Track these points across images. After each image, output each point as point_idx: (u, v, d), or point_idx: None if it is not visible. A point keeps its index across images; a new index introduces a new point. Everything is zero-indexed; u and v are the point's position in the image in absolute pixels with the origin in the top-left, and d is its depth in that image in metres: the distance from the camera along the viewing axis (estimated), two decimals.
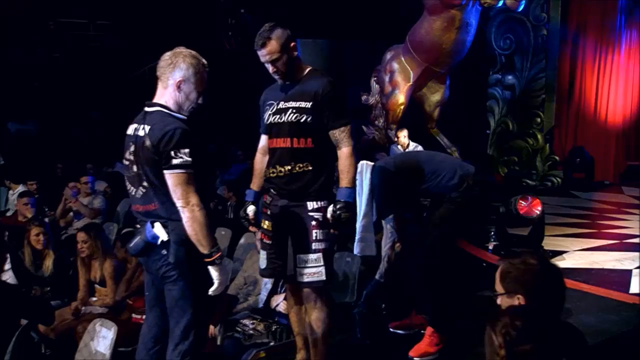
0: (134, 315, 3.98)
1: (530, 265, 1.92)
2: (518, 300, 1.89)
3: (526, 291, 1.88)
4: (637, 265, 4.65)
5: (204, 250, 2.38)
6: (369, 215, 3.33)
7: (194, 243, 2.38)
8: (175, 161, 2.32)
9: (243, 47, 7.24)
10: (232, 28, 6.60)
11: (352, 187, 2.72)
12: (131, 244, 2.48)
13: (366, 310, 3.54)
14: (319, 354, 2.80)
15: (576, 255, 5.00)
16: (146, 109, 2.47)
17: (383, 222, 3.56)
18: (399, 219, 3.49)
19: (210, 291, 2.47)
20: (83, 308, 4.08)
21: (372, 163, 3.42)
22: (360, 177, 3.27)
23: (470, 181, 3.27)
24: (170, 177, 2.34)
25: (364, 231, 3.34)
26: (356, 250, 3.42)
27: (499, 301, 1.97)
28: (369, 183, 3.30)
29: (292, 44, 2.72)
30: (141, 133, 2.40)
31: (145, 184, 2.42)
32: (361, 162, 3.33)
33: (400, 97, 7.92)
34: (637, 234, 5.79)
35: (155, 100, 2.48)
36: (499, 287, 1.95)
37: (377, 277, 3.58)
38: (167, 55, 2.45)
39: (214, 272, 2.43)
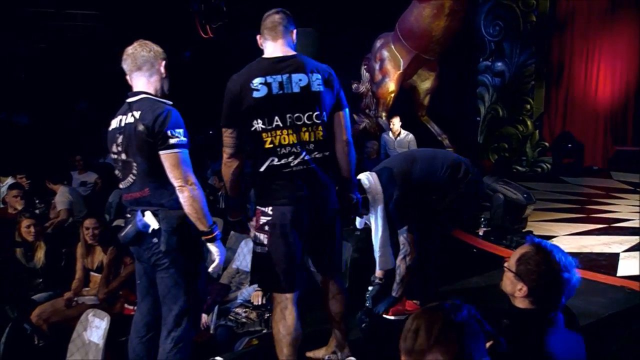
0: (126, 306, 4.00)
1: (552, 270, 1.85)
2: (520, 288, 1.88)
3: (532, 289, 1.86)
4: (625, 248, 4.72)
5: (203, 227, 2.42)
6: (386, 229, 3.32)
7: (185, 230, 2.41)
8: (172, 141, 2.35)
9: (219, 34, 7.19)
10: (204, 15, 6.51)
11: None
12: (122, 233, 2.49)
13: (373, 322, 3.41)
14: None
15: (565, 239, 5.06)
16: (129, 99, 2.49)
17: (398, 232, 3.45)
18: (412, 231, 3.39)
19: (210, 268, 2.52)
20: (76, 299, 4.09)
21: (373, 172, 3.32)
22: (371, 192, 3.21)
23: (471, 172, 3.35)
24: (168, 158, 2.36)
25: (382, 246, 3.32)
26: (378, 266, 3.40)
27: (505, 272, 1.94)
28: (381, 196, 3.25)
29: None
30: (130, 120, 2.41)
31: (134, 171, 2.43)
32: (362, 174, 3.25)
33: (391, 85, 7.92)
34: (625, 218, 5.86)
35: (137, 90, 2.50)
36: (512, 265, 1.92)
37: (393, 293, 3.47)
38: (138, 48, 2.50)
39: (213, 248, 2.48)
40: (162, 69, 2.51)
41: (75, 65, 9.89)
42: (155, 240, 2.43)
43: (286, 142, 2.48)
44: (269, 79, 2.46)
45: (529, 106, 9.19)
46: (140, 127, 2.35)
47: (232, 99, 2.48)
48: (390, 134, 7.66)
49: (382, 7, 8.15)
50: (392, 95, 7.96)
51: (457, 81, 8.98)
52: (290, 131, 2.48)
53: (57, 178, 6.24)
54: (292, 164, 2.49)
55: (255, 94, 2.44)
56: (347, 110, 2.67)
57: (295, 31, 2.62)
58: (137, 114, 2.39)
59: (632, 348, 3.20)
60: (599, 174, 8.92)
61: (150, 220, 2.42)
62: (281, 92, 2.46)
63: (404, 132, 7.67)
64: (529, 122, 9.17)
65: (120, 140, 2.46)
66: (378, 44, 8.09)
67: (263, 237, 2.56)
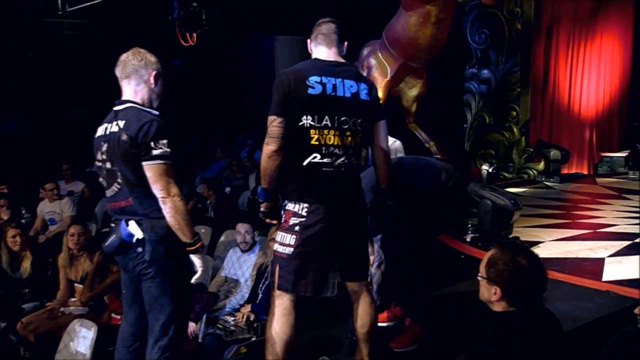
0: (113, 316, 3.97)
1: (519, 267, 1.91)
2: (494, 291, 1.93)
3: (505, 289, 1.92)
4: (610, 253, 4.77)
5: (186, 239, 2.41)
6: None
7: (170, 239, 2.40)
8: (155, 152, 2.34)
9: (208, 42, 7.17)
10: (184, 23, 6.47)
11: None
12: (106, 243, 2.48)
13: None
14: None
15: (551, 245, 5.10)
16: (115, 108, 2.49)
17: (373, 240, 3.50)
18: (387, 238, 3.41)
19: (193, 279, 2.51)
20: (62, 309, 4.05)
21: None
22: None
23: (455, 178, 3.37)
24: (151, 169, 2.35)
25: None
26: None
27: (479, 281, 2.00)
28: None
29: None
30: (115, 129, 2.41)
31: (119, 180, 2.43)
32: None
33: (378, 93, 7.95)
34: (611, 223, 5.92)
35: (124, 99, 2.49)
36: (482, 271, 1.98)
37: None
38: (130, 56, 2.50)
39: (196, 260, 2.48)
40: (152, 79, 2.50)
41: (65, 73, 9.86)
42: (139, 249, 2.42)
43: (331, 142, 2.51)
44: (324, 79, 2.51)
45: (515, 113, 9.26)
46: (124, 137, 2.35)
47: (285, 90, 2.48)
48: None
49: (370, 15, 8.20)
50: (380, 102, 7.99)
51: (444, 88, 9.03)
52: (336, 132, 2.52)
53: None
54: (334, 164, 2.52)
55: (311, 91, 2.48)
56: (386, 120, 2.76)
57: (346, 43, 2.69)
58: (121, 123, 2.39)
59: (619, 353, 3.22)
60: (585, 179, 9.01)
61: (134, 229, 2.41)
62: (334, 94, 2.52)
63: (391, 139, 7.65)
64: (515, 129, 9.24)
65: (104, 148, 2.46)
66: (365, 51, 8.12)
67: (290, 238, 2.53)
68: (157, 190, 2.36)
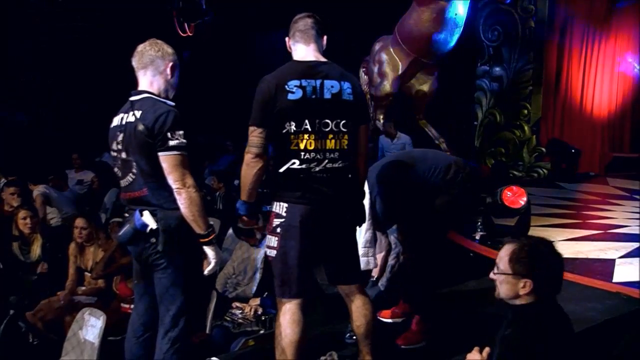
0: (122, 305, 3.99)
1: (544, 255, 1.97)
2: (524, 285, 1.95)
3: (537, 280, 1.94)
4: (621, 254, 4.73)
5: (200, 230, 2.42)
6: (371, 229, 3.33)
7: (183, 230, 2.41)
8: (171, 142, 2.35)
9: (218, 34, 7.13)
10: (183, 13, 6.38)
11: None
12: (120, 232, 2.50)
13: None
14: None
15: (561, 245, 5.04)
16: (132, 98, 2.49)
17: (387, 232, 3.48)
18: (403, 229, 3.40)
19: (206, 271, 2.52)
20: (71, 297, 4.08)
21: None
22: None
23: (464, 174, 3.33)
24: (167, 159, 2.36)
25: (367, 246, 3.29)
26: (361, 266, 3.40)
27: (499, 279, 2.00)
28: (367, 196, 3.22)
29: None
30: (131, 119, 2.41)
31: (134, 170, 2.43)
32: None
33: (389, 88, 7.91)
34: (621, 224, 5.88)
35: (140, 89, 2.49)
36: (506, 267, 1.98)
37: (381, 287, 3.50)
38: (147, 46, 2.50)
39: (210, 251, 2.48)
40: (168, 70, 2.51)
41: (75, 64, 9.88)
42: (153, 240, 2.43)
43: (311, 147, 2.44)
44: (304, 83, 2.44)
45: (526, 111, 9.22)
46: (140, 127, 2.35)
47: (265, 99, 2.42)
48: (387, 136, 7.69)
49: (381, 10, 8.16)
50: (390, 98, 7.96)
51: (455, 85, 8.98)
52: (316, 137, 2.44)
53: (37, 179, 6.25)
54: (312, 170, 2.45)
55: (291, 96, 2.41)
56: (370, 123, 2.67)
57: (325, 37, 2.61)
58: (138, 114, 2.39)
59: (628, 354, 3.20)
60: (596, 180, 8.95)
61: (148, 219, 2.41)
62: (314, 97, 2.44)
63: (400, 135, 7.69)
64: (526, 127, 9.20)
65: (120, 138, 2.46)
66: (377, 46, 8.07)
67: (274, 240, 2.50)
68: (172, 181, 2.36)
